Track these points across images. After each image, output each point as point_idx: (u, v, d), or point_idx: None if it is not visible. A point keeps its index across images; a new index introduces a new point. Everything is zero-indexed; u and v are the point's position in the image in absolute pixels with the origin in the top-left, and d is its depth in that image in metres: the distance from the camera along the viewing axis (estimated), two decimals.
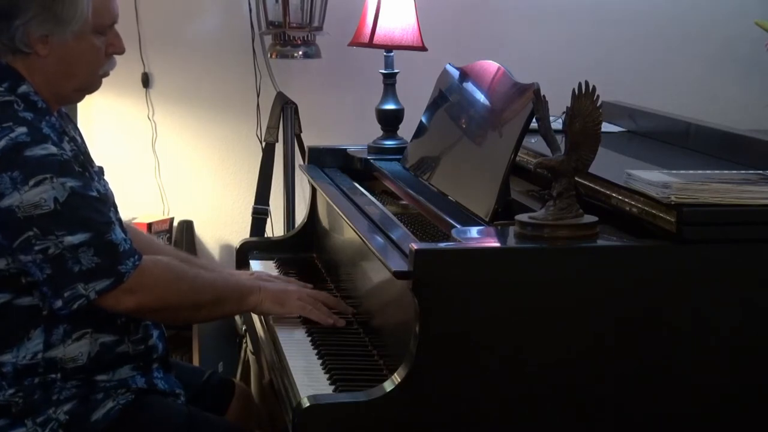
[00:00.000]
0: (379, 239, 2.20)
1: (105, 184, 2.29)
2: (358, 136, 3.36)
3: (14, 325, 2.11)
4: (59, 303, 2.06)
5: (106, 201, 2.15)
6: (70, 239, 2.04)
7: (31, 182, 2.03)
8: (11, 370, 2.10)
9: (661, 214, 1.89)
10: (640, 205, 1.95)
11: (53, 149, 2.06)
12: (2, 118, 2.07)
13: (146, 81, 4.18)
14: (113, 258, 2.07)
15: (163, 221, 4.10)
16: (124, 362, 2.19)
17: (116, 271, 2.07)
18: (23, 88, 2.13)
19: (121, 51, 2.25)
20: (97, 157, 2.33)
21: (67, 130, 2.22)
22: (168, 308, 2.17)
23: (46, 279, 2.06)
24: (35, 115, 2.11)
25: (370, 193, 2.71)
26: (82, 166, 2.13)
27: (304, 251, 2.97)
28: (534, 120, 2.06)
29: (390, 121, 3.06)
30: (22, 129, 2.06)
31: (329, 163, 3.07)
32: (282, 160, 3.90)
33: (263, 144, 3.95)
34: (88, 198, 2.08)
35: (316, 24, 3.85)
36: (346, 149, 3.09)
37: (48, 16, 2.10)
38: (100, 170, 2.32)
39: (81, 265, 2.04)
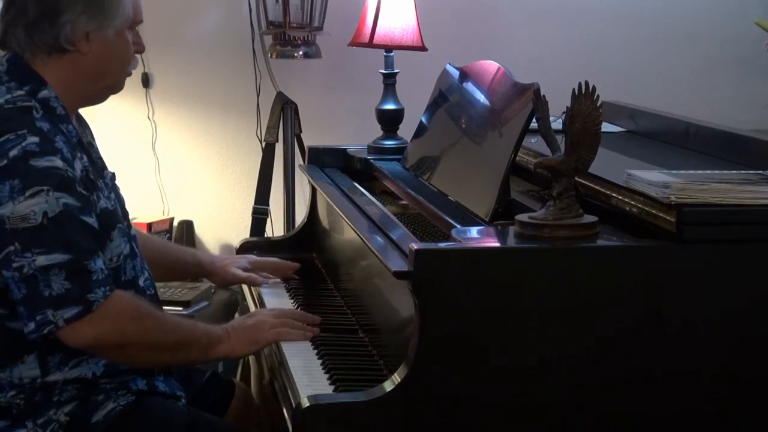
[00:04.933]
0: (379, 239, 2.20)
1: (117, 191, 2.28)
2: (358, 136, 3.36)
3: (6, 347, 2.08)
4: (32, 326, 2.01)
5: (98, 233, 2.08)
6: (43, 259, 1.98)
7: (28, 193, 2.00)
8: (8, 383, 2.09)
9: (661, 214, 1.89)
10: (640, 205, 1.95)
11: (59, 163, 2.03)
12: (19, 124, 2.05)
13: (146, 81, 4.19)
14: (83, 285, 2.01)
15: (163, 221, 4.10)
16: (129, 369, 2.18)
17: (85, 299, 2.01)
18: (44, 93, 2.12)
19: (142, 49, 2.27)
20: (105, 161, 2.32)
21: (83, 137, 2.20)
22: (127, 345, 2.07)
23: (21, 299, 2.02)
24: (51, 126, 2.08)
25: (370, 193, 2.71)
26: (90, 187, 2.10)
27: (304, 251, 2.96)
28: (534, 120, 2.06)
29: (390, 121, 3.06)
30: (34, 138, 2.03)
31: (329, 163, 3.06)
32: (282, 160, 3.90)
33: (263, 144, 3.95)
34: (80, 221, 2.03)
35: (316, 24, 3.85)
36: (346, 149, 3.09)
37: (95, 11, 2.10)
38: (113, 176, 2.30)
39: (51, 290, 1.99)
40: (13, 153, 2.01)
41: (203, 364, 2.40)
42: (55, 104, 2.12)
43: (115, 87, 2.24)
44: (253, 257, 2.76)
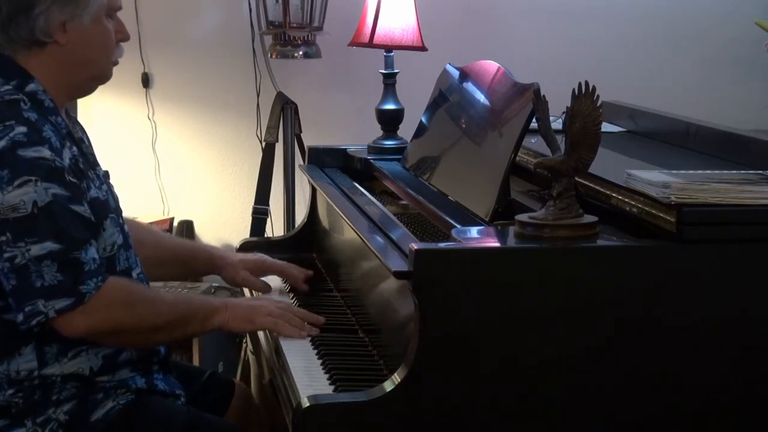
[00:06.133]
0: (379, 239, 2.20)
1: (110, 188, 2.28)
2: (358, 136, 3.36)
3: (3, 338, 2.08)
4: (20, 317, 2.02)
5: (90, 222, 2.09)
6: (37, 249, 1.99)
7: (16, 183, 2.00)
8: (6, 378, 2.10)
9: (661, 214, 1.89)
10: (640, 205, 1.95)
11: (46, 153, 2.04)
12: (7, 115, 2.06)
13: (146, 81, 4.19)
14: (75, 277, 2.02)
15: (163, 221, 4.10)
16: (126, 365, 2.18)
17: (77, 291, 2.02)
18: (31, 87, 2.13)
19: (127, 38, 2.26)
20: (98, 158, 2.33)
21: (74, 131, 2.21)
22: (122, 332, 2.10)
23: (11, 290, 2.02)
24: (39, 116, 2.09)
25: (370, 193, 2.71)
26: (80, 176, 2.11)
27: (304, 251, 2.96)
28: (534, 120, 2.06)
29: (390, 121, 3.06)
30: (22, 128, 2.04)
31: (329, 163, 3.07)
32: (282, 160, 3.90)
33: (263, 144, 3.95)
34: (70, 211, 2.04)
35: (316, 24, 3.85)
36: (346, 149, 3.09)
37: (66, 0, 2.11)
38: (105, 174, 2.31)
39: (43, 281, 2.00)
40: (1, 144, 2.02)
41: (200, 336, 2.40)
42: (43, 97, 2.13)
43: (101, 77, 2.24)
44: (263, 257, 2.73)
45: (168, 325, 2.17)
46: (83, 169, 2.15)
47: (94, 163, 2.24)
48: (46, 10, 2.10)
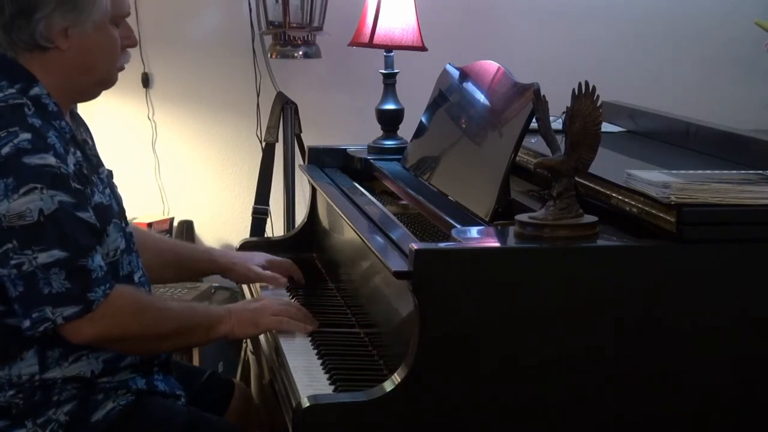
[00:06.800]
0: (379, 239, 2.20)
1: (114, 189, 2.28)
2: (358, 136, 3.36)
3: (5, 343, 2.08)
4: (27, 323, 2.01)
5: (95, 228, 2.08)
6: (44, 257, 1.99)
7: (21, 190, 1.99)
8: (6, 381, 2.09)
9: (661, 214, 1.89)
10: (640, 205, 1.95)
11: (51, 160, 2.02)
12: (11, 121, 2.04)
13: (146, 81, 4.19)
14: (83, 284, 2.02)
15: (163, 221, 4.10)
16: (127, 368, 2.18)
17: (85, 298, 2.02)
18: (35, 90, 2.11)
19: (134, 44, 2.26)
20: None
21: (78, 133, 2.20)
22: (129, 339, 2.10)
23: (17, 297, 2.02)
24: (44, 122, 2.08)
25: (370, 193, 2.71)
26: (84, 181, 2.10)
27: (304, 251, 2.96)
28: (534, 120, 2.06)
29: (390, 121, 3.06)
30: (26, 135, 2.03)
31: (329, 163, 3.07)
32: (282, 160, 3.90)
33: (263, 144, 3.95)
34: (76, 218, 2.04)
35: (316, 24, 3.85)
36: (346, 149, 3.09)
37: (69, 6, 2.09)
38: (110, 174, 2.30)
39: (51, 288, 2.00)
40: (5, 150, 2.01)
41: (205, 345, 2.40)
42: (47, 101, 2.12)
43: (106, 82, 2.22)
44: (268, 255, 2.74)
45: (173, 333, 2.17)
46: (87, 175, 2.14)
47: (97, 166, 2.24)
48: (48, 15, 2.08)
